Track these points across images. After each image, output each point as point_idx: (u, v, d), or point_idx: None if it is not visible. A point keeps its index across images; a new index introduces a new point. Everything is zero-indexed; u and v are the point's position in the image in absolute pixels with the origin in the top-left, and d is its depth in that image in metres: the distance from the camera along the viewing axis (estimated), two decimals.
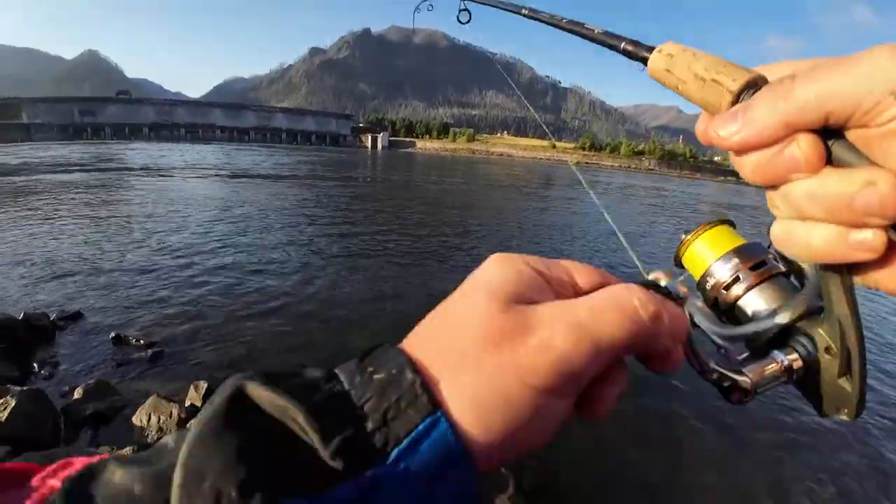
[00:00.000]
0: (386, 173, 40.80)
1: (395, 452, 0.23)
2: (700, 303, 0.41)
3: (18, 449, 3.35)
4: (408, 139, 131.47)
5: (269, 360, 5.73)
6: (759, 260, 0.39)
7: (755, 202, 48.47)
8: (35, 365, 5.01)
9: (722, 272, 0.40)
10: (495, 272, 0.30)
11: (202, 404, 4.26)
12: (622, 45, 0.43)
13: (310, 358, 5.87)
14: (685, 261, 0.44)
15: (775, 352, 0.36)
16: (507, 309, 0.27)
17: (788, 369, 0.35)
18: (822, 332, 0.34)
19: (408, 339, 0.30)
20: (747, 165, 0.28)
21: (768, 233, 0.31)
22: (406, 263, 10.49)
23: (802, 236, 0.28)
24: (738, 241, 0.41)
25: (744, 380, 0.34)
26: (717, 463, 5.06)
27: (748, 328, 0.37)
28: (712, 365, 0.35)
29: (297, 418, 0.23)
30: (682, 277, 0.40)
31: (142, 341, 5.77)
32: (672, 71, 0.34)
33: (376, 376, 0.25)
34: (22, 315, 5.57)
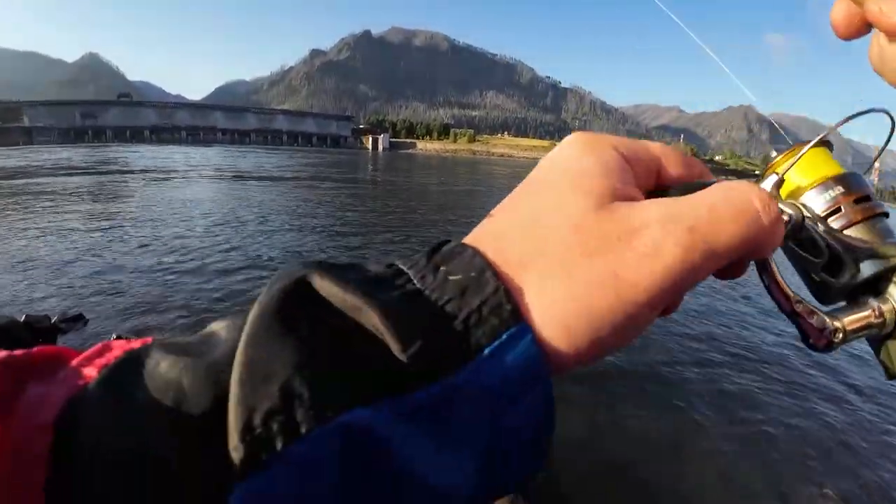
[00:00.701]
0: (388, 174, 40.86)
1: (475, 362, 0.20)
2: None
3: None
4: (408, 140, 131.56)
5: None
6: (865, 193, 0.33)
7: None
8: None
9: (817, 202, 0.34)
10: (583, 159, 0.26)
11: None
12: None
13: None
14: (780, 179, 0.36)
15: (867, 297, 0.31)
16: (602, 206, 0.24)
17: (881, 319, 0.30)
18: None
19: (479, 235, 0.25)
20: None
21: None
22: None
23: None
24: (839, 169, 0.35)
25: (833, 323, 0.30)
26: (723, 462, 5.05)
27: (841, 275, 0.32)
28: (798, 297, 0.31)
29: (371, 319, 0.20)
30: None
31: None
32: None
33: (452, 277, 0.22)
34: (23, 317, 5.55)
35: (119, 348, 0.23)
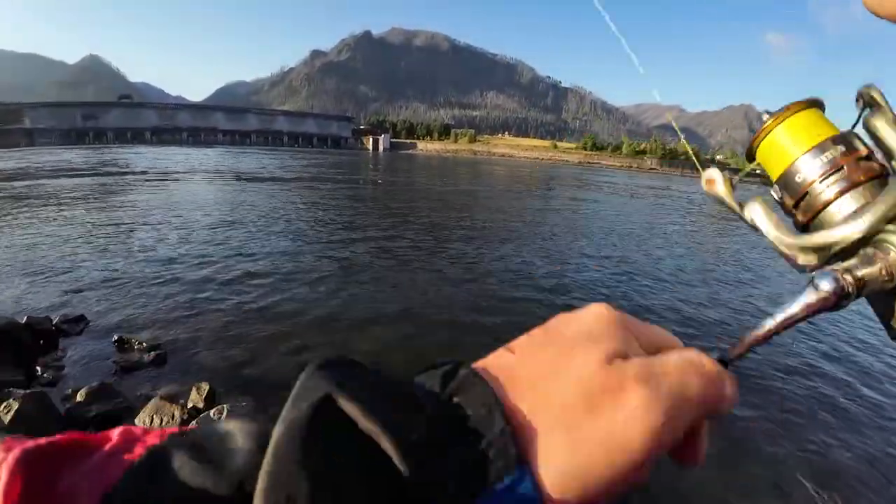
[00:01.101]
0: (389, 175, 40.91)
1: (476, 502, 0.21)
2: (762, 205, 0.34)
3: None
4: (409, 141, 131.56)
5: (272, 363, 5.75)
6: (865, 153, 0.32)
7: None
8: (38, 368, 5.05)
9: (812, 167, 0.33)
10: (600, 323, 0.28)
11: (204, 406, 4.29)
12: None
13: (308, 359, 5.87)
14: (761, 153, 0.36)
15: (872, 249, 0.30)
16: (607, 365, 0.26)
17: (890, 273, 0.29)
18: None
19: (495, 368, 0.27)
20: None
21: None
22: (413, 267, 10.50)
23: None
24: (835, 130, 0.33)
25: (844, 275, 0.28)
26: (725, 464, 5.07)
27: (832, 234, 0.30)
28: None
29: (387, 447, 0.21)
30: (737, 178, 0.37)
31: (144, 344, 5.81)
32: None
33: (462, 413, 0.24)
34: (25, 319, 5.61)
35: (141, 442, 0.24)
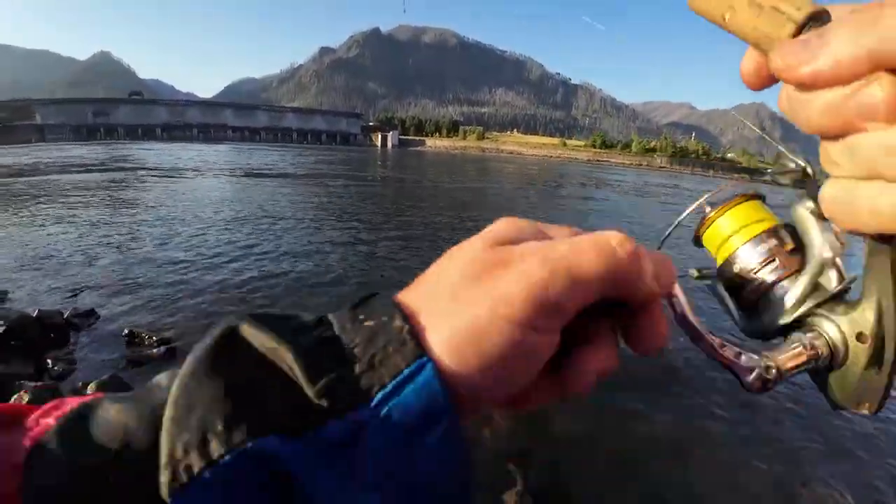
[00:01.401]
0: (398, 172, 40.93)
1: (379, 395, 0.22)
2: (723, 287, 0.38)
3: None
4: (417, 137, 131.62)
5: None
6: (792, 247, 0.35)
7: (778, 203, 47.55)
8: (49, 362, 5.09)
9: (752, 256, 0.36)
10: (494, 225, 0.30)
11: None
12: None
13: None
14: (706, 240, 0.40)
15: (799, 334, 0.33)
16: (491, 247, 0.27)
17: (814, 354, 0.32)
18: (855, 316, 0.31)
19: (405, 290, 0.30)
20: (814, 106, 0.23)
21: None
22: (423, 266, 10.50)
23: (868, 199, 0.23)
24: (774, 221, 0.37)
25: (765, 362, 0.32)
26: (727, 465, 5.00)
27: (765, 319, 0.35)
28: (723, 342, 0.32)
29: (286, 358, 0.23)
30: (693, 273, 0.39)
31: (155, 338, 5.84)
32: None
33: (366, 323, 0.25)
34: (36, 313, 5.66)
35: (74, 402, 0.26)
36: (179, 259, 9.17)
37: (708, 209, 0.39)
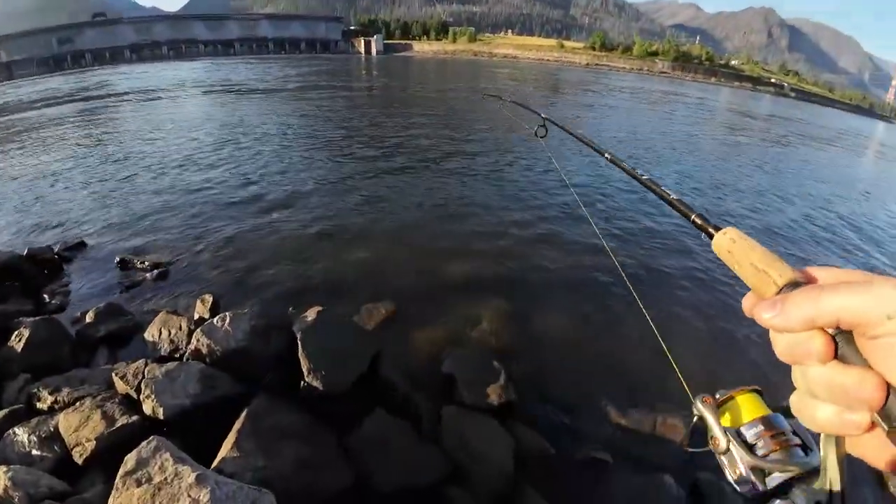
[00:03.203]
0: (383, 80, 39.09)
1: None
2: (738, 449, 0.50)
3: (39, 375, 3.63)
4: (404, 42, 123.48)
5: (271, 272, 5.96)
6: (778, 430, 0.48)
7: (769, 112, 46.28)
8: (45, 296, 5.27)
9: (748, 434, 0.49)
10: None
11: (209, 315, 4.50)
12: (693, 216, 0.59)
13: (308, 269, 6.13)
14: (723, 410, 0.53)
15: (777, 501, 0.44)
16: None
17: None
18: (815, 488, 0.42)
19: None
20: (779, 343, 0.38)
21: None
22: (407, 177, 10.44)
23: (811, 409, 0.37)
24: (764, 410, 0.51)
25: None
26: (700, 351, 5.38)
27: (768, 465, 0.47)
28: None
29: None
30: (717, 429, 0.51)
31: (146, 262, 5.99)
32: (733, 253, 0.46)
33: None
34: (26, 251, 5.75)
35: None
36: (164, 186, 9.12)
37: (718, 394, 0.54)
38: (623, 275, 2.14)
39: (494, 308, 5.68)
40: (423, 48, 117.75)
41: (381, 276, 6.14)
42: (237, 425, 2.94)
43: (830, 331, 0.36)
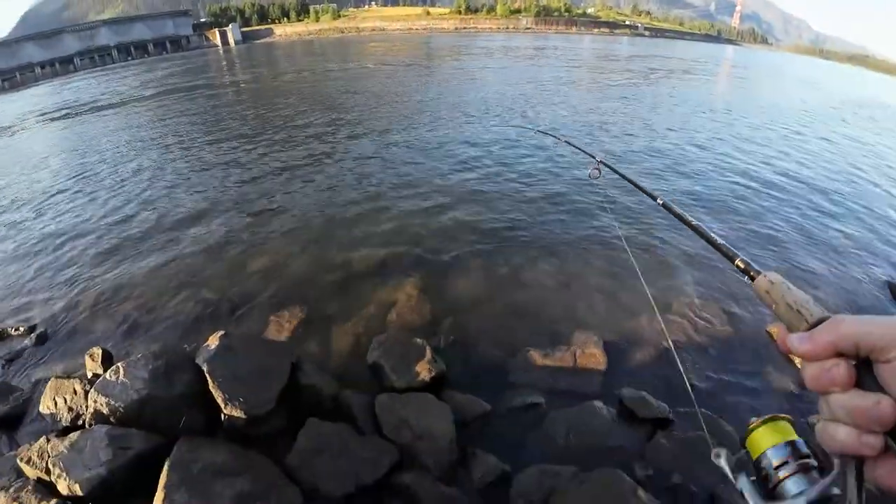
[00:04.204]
0: (247, 72, 36.51)
1: None
2: (748, 479, 0.54)
3: None
4: (263, 27, 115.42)
5: (159, 306, 5.56)
6: (804, 453, 0.52)
7: (630, 53, 49.79)
8: None
9: (776, 456, 0.53)
10: None
11: (103, 371, 4.12)
12: (737, 260, 0.65)
13: (201, 293, 5.76)
14: (749, 441, 0.57)
15: None
16: None
17: None
18: None
19: None
20: (808, 372, 0.43)
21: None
22: (292, 172, 10.02)
23: (833, 431, 0.40)
24: (793, 436, 0.54)
25: None
26: (601, 291, 5.88)
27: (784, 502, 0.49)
28: None
29: None
30: (738, 456, 0.57)
31: (21, 328, 5.39)
32: (771, 294, 0.53)
33: None
34: None
35: None
36: (21, 238, 7.96)
37: (753, 419, 0.57)
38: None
39: (407, 287, 5.77)
40: (285, 31, 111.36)
41: (284, 282, 5.93)
42: (163, 480, 2.74)
43: (853, 362, 0.40)
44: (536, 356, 4.64)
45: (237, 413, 3.27)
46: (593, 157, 2.23)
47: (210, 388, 3.38)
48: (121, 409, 3.25)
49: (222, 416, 3.33)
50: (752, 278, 0.58)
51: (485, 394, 4.16)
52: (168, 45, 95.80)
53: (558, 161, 10.26)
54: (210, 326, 4.59)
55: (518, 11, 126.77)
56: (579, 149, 2.75)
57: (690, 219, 0.89)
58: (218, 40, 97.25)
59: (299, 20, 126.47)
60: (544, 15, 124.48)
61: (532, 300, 5.62)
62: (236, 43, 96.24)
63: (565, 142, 3.20)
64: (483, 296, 5.72)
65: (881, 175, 11.00)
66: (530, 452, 3.61)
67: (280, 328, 5.05)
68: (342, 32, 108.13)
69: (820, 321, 0.45)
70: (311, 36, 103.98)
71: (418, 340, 4.44)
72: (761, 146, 12.62)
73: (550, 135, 4.10)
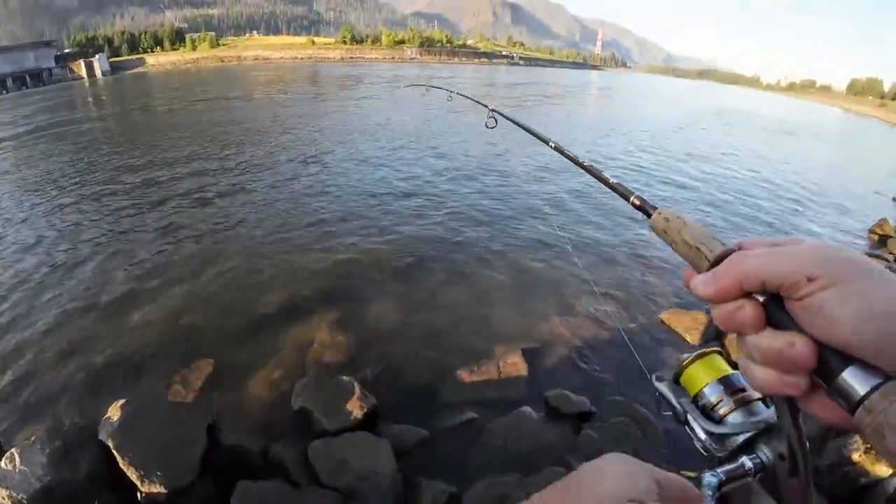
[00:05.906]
0: (116, 106, 33.25)
1: None
2: (691, 402, 0.54)
3: None
4: (134, 57, 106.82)
5: (42, 380, 4.80)
6: (740, 387, 0.51)
7: (509, 81, 53.49)
8: None
9: (711, 395, 0.52)
10: (615, 484, 0.36)
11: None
12: (632, 198, 0.60)
13: (90, 359, 5.03)
14: (683, 379, 0.55)
15: (743, 457, 0.47)
16: None
17: (752, 470, 0.47)
18: (777, 442, 0.46)
19: None
20: (717, 314, 0.39)
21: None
22: (173, 216, 9.23)
23: (752, 372, 0.38)
24: (727, 370, 0.53)
25: (720, 478, 0.47)
26: (515, 303, 6.13)
27: (726, 430, 0.50)
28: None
29: None
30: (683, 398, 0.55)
31: None
32: (668, 232, 0.47)
33: None
34: None
35: None
36: None
37: (683, 356, 0.56)
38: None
39: (321, 324, 5.54)
40: (158, 61, 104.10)
41: (184, 335, 5.37)
42: None
43: (761, 298, 0.37)
44: (463, 373, 4.74)
45: (156, 489, 2.88)
46: (486, 106, 2.26)
47: (121, 465, 2.93)
48: (24, 500, 2.75)
49: (139, 495, 2.90)
50: (649, 215, 0.53)
51: (420, 420, 4.12)
52: (28, 79, 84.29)
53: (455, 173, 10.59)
54: (108, 396, 3.97)
55: (402, 42, 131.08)
56: (474, 100, 2.88)
57: (583, 160, 0.87)
58: (84, 72, 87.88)
59: (174, 49, 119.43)
60: (427, 46, 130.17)
61: (449, 319, 5.72)
62: (104, 74, 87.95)
63: (458, 94, 3.44)
64: (401, 321, 5.68)
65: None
66: (473, 468, 3.63)
67: (187, 387, 4.54)
68: (222, 61, 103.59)
69: (721, 257, 0.40)
70: (187, 65, 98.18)
71: (344, 378, 4.28)
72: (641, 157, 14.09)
73: (444, 88, 4.21)
